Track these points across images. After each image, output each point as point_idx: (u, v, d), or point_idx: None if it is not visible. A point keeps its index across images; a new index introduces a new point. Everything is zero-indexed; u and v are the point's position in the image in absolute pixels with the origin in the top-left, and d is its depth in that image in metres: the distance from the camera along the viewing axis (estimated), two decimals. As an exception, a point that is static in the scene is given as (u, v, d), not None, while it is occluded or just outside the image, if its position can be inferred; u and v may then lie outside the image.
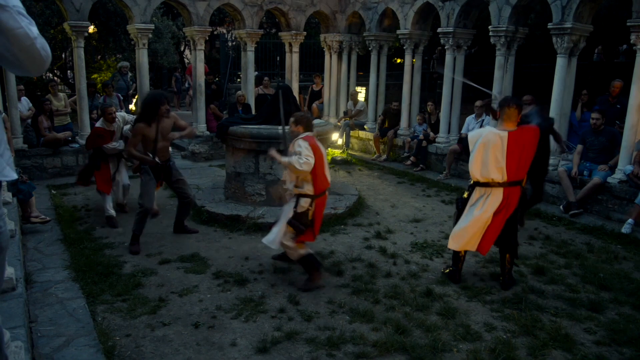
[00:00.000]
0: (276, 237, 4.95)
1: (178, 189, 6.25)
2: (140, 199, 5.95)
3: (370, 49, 11.75)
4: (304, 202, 4.82)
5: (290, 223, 4.82)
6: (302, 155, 4.66)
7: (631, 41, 7.01)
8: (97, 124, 7.02)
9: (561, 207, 7.52)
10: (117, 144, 6.97)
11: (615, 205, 7.15)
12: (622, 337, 4.16)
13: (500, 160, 4.70)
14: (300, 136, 4.85)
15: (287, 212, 4.91)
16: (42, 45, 1.89)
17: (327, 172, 4.95)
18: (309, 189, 4.81)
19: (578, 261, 5.75)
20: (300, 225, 4.79)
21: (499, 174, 4.75)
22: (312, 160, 4.66)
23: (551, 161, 8.08)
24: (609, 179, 7.24)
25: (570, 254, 5.95)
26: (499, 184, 4.80)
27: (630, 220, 6.62)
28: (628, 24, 6.92)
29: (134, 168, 6.46)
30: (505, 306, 4.68)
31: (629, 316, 4.53)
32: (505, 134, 4.70)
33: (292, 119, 4.95)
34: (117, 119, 6.97)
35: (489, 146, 4.72)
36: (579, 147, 7.65)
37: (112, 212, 6.84)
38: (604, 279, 5.23)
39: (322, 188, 4.89)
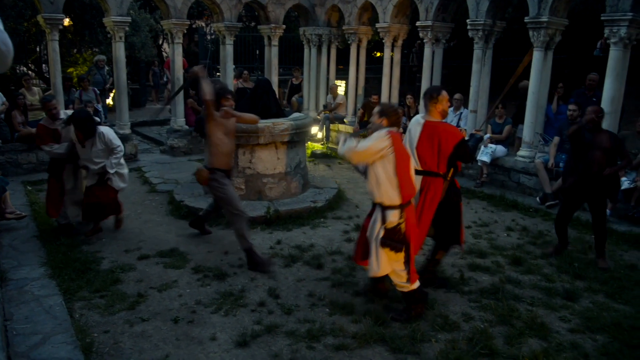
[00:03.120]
0: (377, 263, 4.14)
1: None
2: (234, 209, 5.30)
3: (349, 42, 11.75)
4: (393, 216, 4.06)
5: (383, 244, 4.09)
6: (363, 142, 4.05)
7: (605, 35, 7.12)
8: (40, 121, 6.13)
9: (538, 198, 7.64)
10: (58, 148, 5.92)
11: (590, 196, 7.27)
12: (596, 325, 4.26)
13: (412, 147, 4.56)
14: (384, 129, 4.11)
15: (374, 231, 4.16)
16: (3, 39, 1.84)
17: (414, 178, 4.24)
18: (394, 196, 4.05)
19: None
20: (395, 242, 4.08)
21: (413, 161, 4.50)
22: (365, 150, 4.00)
23: (527, 153, 8.21)
24: (584, 171, 7.35)
25: (546, 245, 6.05)
26: (417, 172, 4.53)
27: (606, 211, 6.73)
28: (602, 17, 7.03)
29: (202, 179, 5.35)
30: (482, 296, 4.75)
31: (603, 304, 4.63)
32: (423, 122, 4.60)
33: (377, 109, 4.21)
34: (63, 117, 5.99)
35: (409, 132, 4.67)
36: (556, 139, 7.77)
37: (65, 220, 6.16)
38: (579, 268, 5.33)
39: (410, 195, 4.15)
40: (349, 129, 11.60)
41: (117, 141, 5.94)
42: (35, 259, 5.39)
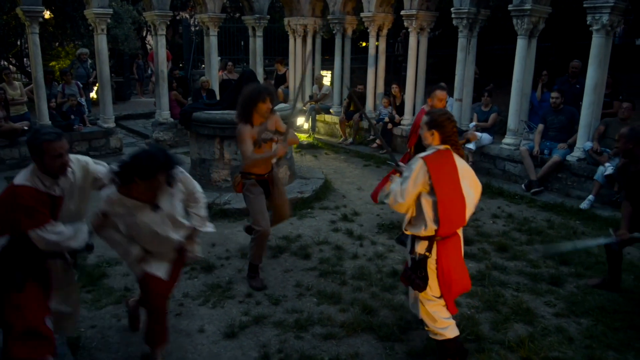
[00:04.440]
0: (414, 303, 3.65)
1: (276, 206, 5.00)
2: (253, 223, 4.72)
3: (334, 32, 11.71)
4: (420, 247, 3.40)
5: (404, 277, 3.52)
6: (399, 186, 3.34)
7: (587, 22, 7.15)
8: (18, 179, 3.03)
9: (523, 185, 7.69)
10: (71, 234, 3.09)
11: (574, 182, 7.35)
12: (580, 309, 4.32)
13: None
14: (426, 152, 3.37)
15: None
16: None
17: (468, 203, 3.43)
18: (428, 228, 3.33)
19: (539, 237, 5.92)
20: (416, 278, 3.40)
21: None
22: (403, 199, 3.29)
23: (512, 141, 8.26)
24: (568, 157, 7.43)
25: (532, 231, 6.11)
26: None
27: (590, 197, 6.82)
28: (584, 5, 7.06)
29: (235, 186, 4.84)
30: (469, 283, 4.78)
31: (587, 288, 4.69)
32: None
33: (425, 119, 3.43)
34: (71, 170, 3.17)
35: None
36: (540, 127, 7.83)
37: None
38: (564, 253, 5.38)
39: (449, 230, 3.36)
40: (335, 119, 11.59)
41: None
42: (20, 255, 5.33)
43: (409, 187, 3.27)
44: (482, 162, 8.60)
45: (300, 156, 9.83)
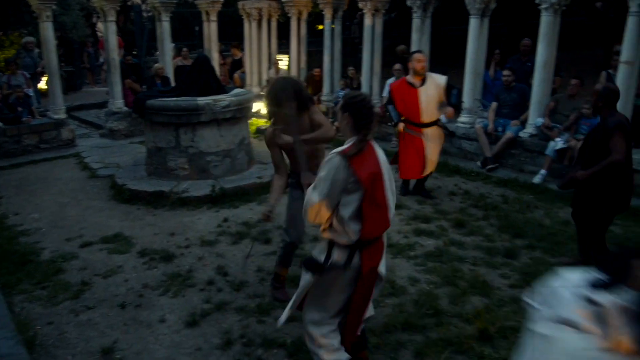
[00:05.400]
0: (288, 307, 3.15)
1: None
2: (285, 229, 4.24)
3: (289, 15, 11.59)
4: (338, 255, 2.85)
5: (304, 263, 2.99)
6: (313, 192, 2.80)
7: (536, 1, 7.30)
8: None
9: (479, 162, 7.86)
10: None
11: (527, 158, 7.55)
12: (534, 279, 4.45)
13: None
14: (340, 148, 2.79)
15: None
16: None
17: (389, 205, 2.89)
18: (350, 232, 2.80)
19: (495, 212, 6.07)
20: (313, 267, 2.90)
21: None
22: (316, 199, 2.75)
23: (467, 119, 8.40)
24: (521, 134, 7.63)
25: (487, 206, 6.27)
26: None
27: (542, 171, 7.03)
28: (533, -17, 7.20)
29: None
30: (428, 260, 4.89)
31: (540, 259, 4.87)
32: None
33: (341, 102, 2.94)
34: None
35: None
36: (494, 104, 7.99)
37: None
38: (518, 226, 5.55)
39: (375, 231, 2.88)
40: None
41: None
42: (-31, 253, 5.14)
43: (324, 187, 2.74)
44: (439, 141, 8.72)
45: (259, 142, 9.72)
